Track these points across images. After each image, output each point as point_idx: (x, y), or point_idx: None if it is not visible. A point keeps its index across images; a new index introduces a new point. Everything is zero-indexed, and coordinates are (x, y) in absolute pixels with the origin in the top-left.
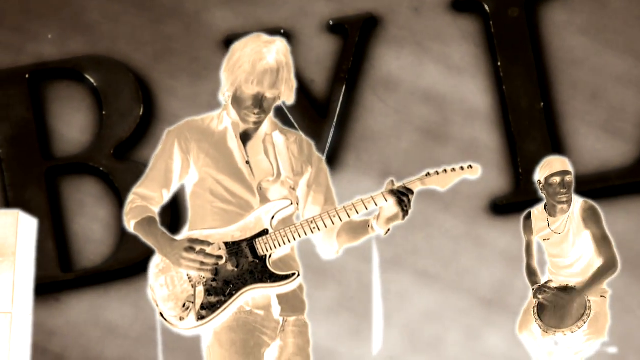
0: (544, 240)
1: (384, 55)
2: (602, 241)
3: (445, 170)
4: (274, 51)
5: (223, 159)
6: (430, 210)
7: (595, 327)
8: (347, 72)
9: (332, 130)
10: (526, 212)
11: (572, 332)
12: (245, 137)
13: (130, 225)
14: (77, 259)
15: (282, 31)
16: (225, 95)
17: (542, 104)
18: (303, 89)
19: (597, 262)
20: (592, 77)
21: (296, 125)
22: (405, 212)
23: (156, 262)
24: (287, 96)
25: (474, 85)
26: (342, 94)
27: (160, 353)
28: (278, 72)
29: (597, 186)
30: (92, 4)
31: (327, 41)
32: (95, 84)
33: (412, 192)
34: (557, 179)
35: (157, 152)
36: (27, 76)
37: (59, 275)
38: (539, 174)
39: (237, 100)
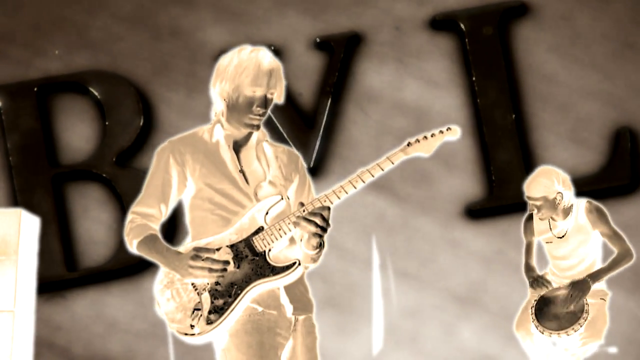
0: (547, 242)
1: (366, 71)
2: (614, 237)
3: (426, 137)
4: (267, 55)
5: (218, 169)
6: (409, 214)
7: (593, 330)
8: (332, 86)
9: (319, 139)
10: (527, 213)
11: (568, 335)
12: (237, 148)
13: (132, 245)
14: (82, 259)
15: (273, 47)
16: (220, 107)
17: (514, 116)
18: (291, 102)
19: (600, 264)
20: (560, 90)
21: (285, 135)
22: (323, 230)
23: (160, 279)
24: (280, 95)
25: (451, 98)
26: (328, 106)
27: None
28: (277, 73)
29: None
30: (96, 23)
31: (314, 57)
32: (98, 97)
33: (326, 209)
34: (534, 205)
35: (151, 170)
36: (35, 89)
37: (65, 274)
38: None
39: (237, 107)
